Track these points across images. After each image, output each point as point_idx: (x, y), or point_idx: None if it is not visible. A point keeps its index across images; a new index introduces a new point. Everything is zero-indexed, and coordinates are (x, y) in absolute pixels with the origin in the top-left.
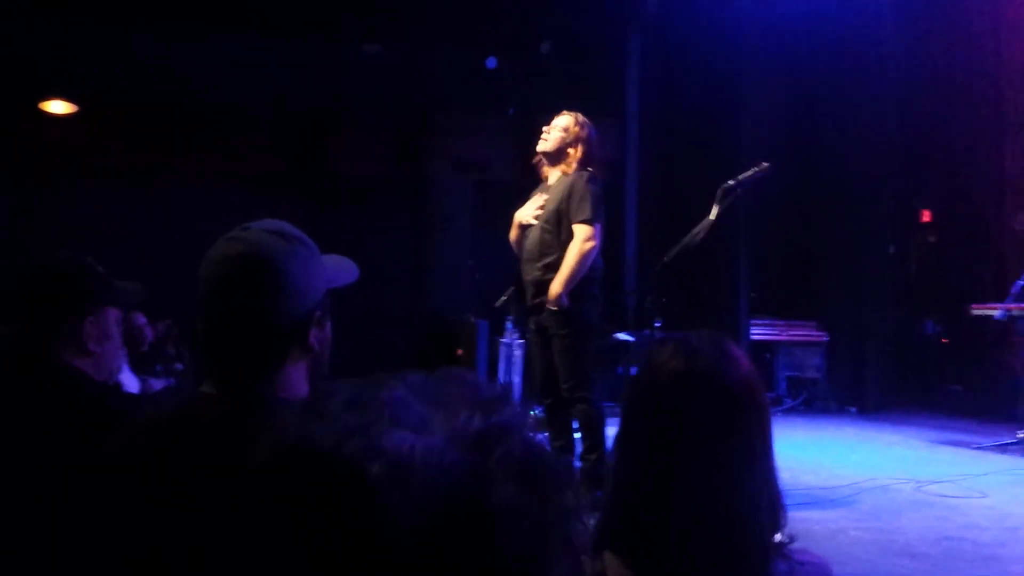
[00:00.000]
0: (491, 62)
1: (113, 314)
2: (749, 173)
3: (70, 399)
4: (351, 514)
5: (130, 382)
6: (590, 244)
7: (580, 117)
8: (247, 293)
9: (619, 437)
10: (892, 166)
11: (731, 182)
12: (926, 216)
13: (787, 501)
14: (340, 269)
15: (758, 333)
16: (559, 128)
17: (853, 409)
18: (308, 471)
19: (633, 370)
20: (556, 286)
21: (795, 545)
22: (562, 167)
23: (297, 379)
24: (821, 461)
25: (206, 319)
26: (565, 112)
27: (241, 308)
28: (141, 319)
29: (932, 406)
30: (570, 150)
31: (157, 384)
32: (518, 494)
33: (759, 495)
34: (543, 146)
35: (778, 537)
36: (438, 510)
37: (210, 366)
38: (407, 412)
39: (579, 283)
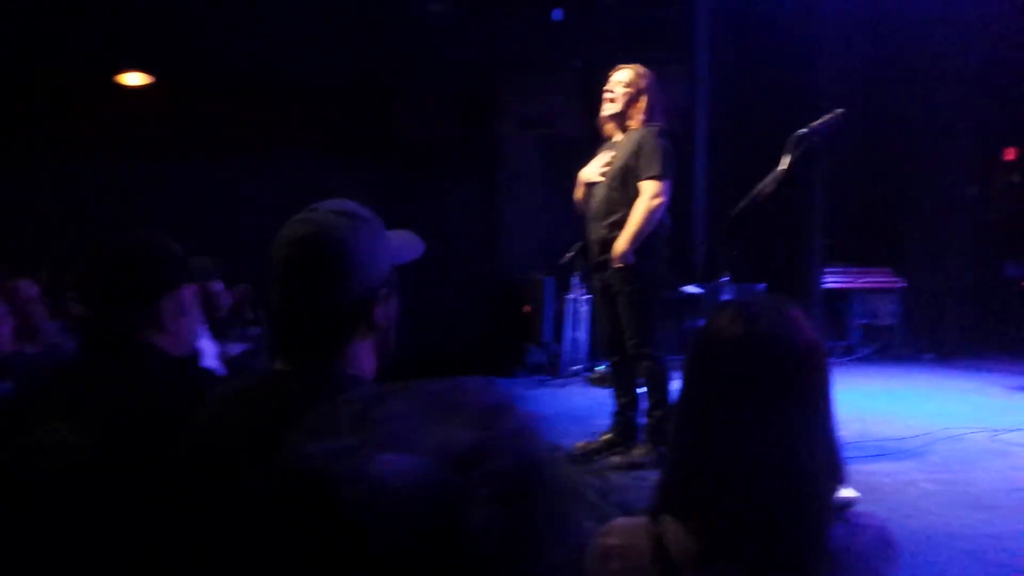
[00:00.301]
0: (556, 13)
1: (189, 290)
2: (823, 120)
3: (149, 378)
4: (329, 535)
5: (208, 349)
6: (657, 200)
7: (640, 68)
8: (313, 273)
9: (680, 401)
10: (973, 103)
11: (804, 130)
12: (1010, 154)
13: (858, 453)
14: (405, 245)
15: (831, 281)
16: (622, 85)
17: (929, 356)
18: (294, 493)
19: (701, 322)
20: (621, 243)
21: (859, 506)
22: (630, 123)
23: (365, 355)
24: (894, 411)
25: (277, 298)
26: (622, 66)
27: (308, 287)
28: (219, 285)
29: (1011, 351)
30: (635, 102)
31: (234, 349)
32: (501, 512)
33: (819, 458)
34: (611, 108)
35: (840, 498)
36: (414, 533)
37: (281, 343)
38: (404, 430)
39: (645, 240)
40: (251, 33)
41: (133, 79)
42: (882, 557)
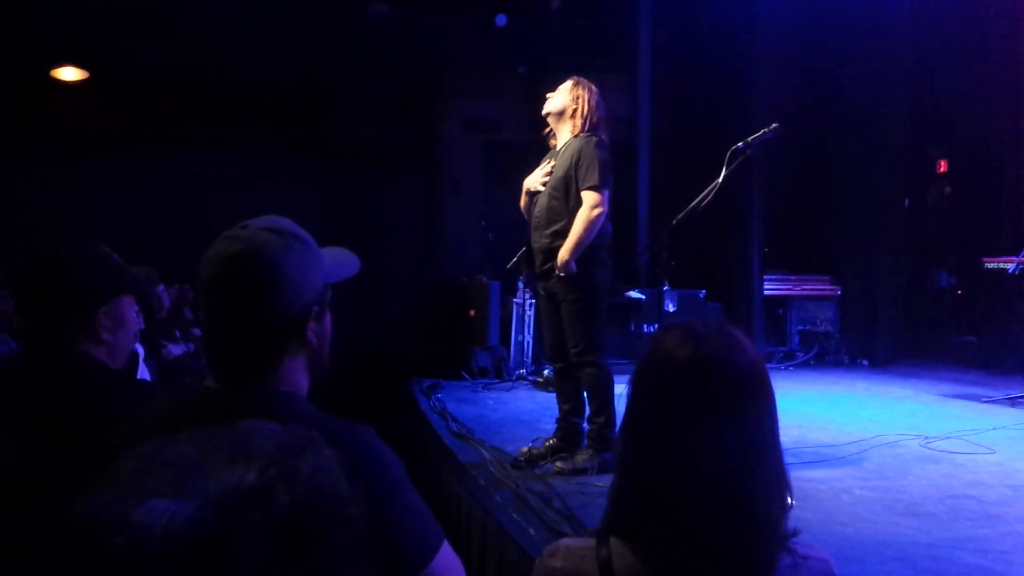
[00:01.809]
0: (500, 19)
1: (127, 301)
2: (759, 134)
3: (83, 390)
4: None
5: (140, 352)
6: (598, 211)
7: (582, 80)
8: (243, 291)
9: (625, 424)
10: (907, 117)
11: (740, 144)
12: (942, 166)
13: (794, 460)
14: (340, 263)
15: (771, 288)
16: (560, 92)
17: (865, 362)
18: (62, 544)
19: (645, 328)
20: (564, 253)
21: (794, 512)
22: (568, 129)
23: (296, 373)
24: (831, 417)
25: (206, 316)
26: (568, 79)
27: (237, 306)
28: (159, 286)
29: (945, 359)
30: (573, 110)
31: (176, 349)
32: (272, 553)
33: (767, 480)
34: (545, 108)
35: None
36: None
37: (211, 361)
38: (180, 476)
39: (587, 249)
40: (189, 30)
41: (68, 74)
42: None
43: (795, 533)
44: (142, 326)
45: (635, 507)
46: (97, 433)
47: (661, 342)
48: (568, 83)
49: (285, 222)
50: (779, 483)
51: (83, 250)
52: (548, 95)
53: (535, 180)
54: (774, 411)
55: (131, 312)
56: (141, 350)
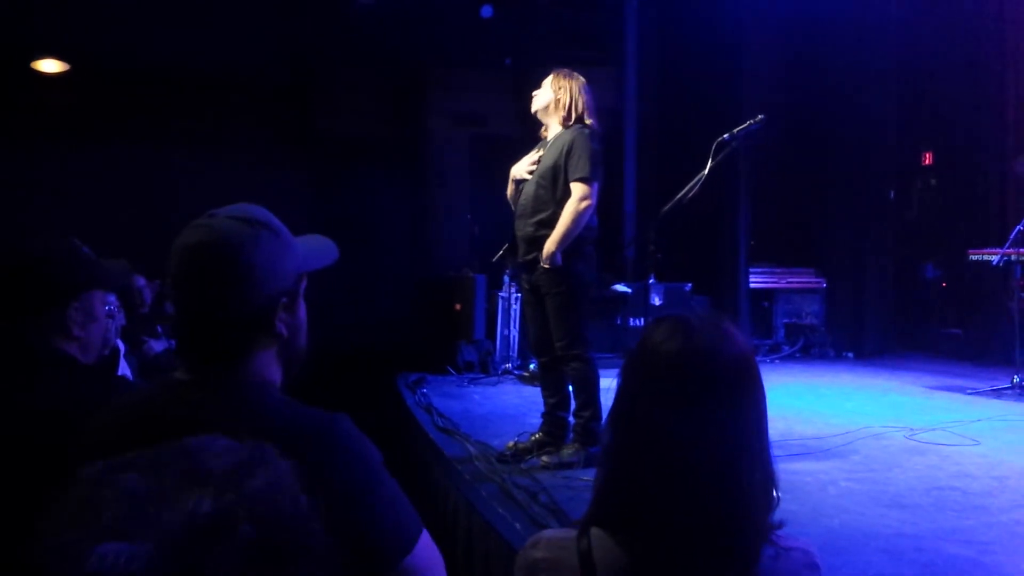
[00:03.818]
0: (486, 11)
1: (99, 296)
2: (744, 126)
3: (55, 384)
4: None
5: (120, 348)
6: (586, 203)
7: (564, 71)
8: (207, 281)
9: (613, 415)
10: (893, 110)
11: (726, 136)
12: (927, 159)
13: (781, 452)
14: (315, 251)
15: (757, 281)
16: (543, 86)
17: (851, 355)
18: None
19: (631, 321)
20: (550, 244)
21: (781, 505)
22: (557, 121)
23: (268, 365)
24: (817, 409)
25: (175, 307)
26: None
27: (203, 296)
28: (140, 280)
29: (930, 350)
30: (557, 100)
31: (158, 346)
32: None
33: (754, 473)
34: (533, 106)
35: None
36: None
37: (181, 352)
38: (131, 511)
39: (573, 241)
40: (173, 23)
41: (49, 66)
42: None
43: (779, 525)
44: (124, 322)
45: (621, 498)
46: (71, 429)
47: (652, 333)
48: (549, 77)
49: (256, 210)
50: (766, 477)
51: (53, 244)
52: (534, 94)
53: (522, 168)
54: (763, 405)
55: (102, 307)
56: (122, 346)
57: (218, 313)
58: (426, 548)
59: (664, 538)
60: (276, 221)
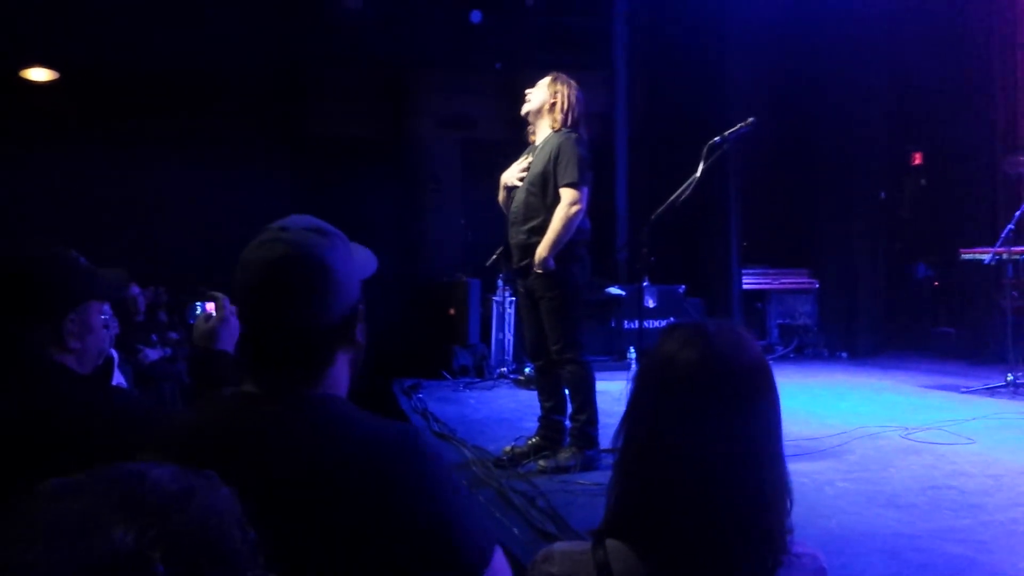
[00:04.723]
0: (475, 16)
1: (95, 307)
2: (735, 128)
3: (53, 396)
4: None
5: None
6: (576, 208)
7: (561, 75)
8: (296, 295)
9: (628, 425)
10: (882, 110)
11: (717, 139)
12: (917, 159)
13: None
14: (364, 259)
15: (750, 282)
16: (539, 88)
17: (844, 355)
18: None
19: (626, 324)
20: (542, 250)
21: (790, 536)
22: (548, 124)
23: (342, 373)
24: (811, 410)
25: (252, 322)
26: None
27: (290, 310)
28: (135, 289)
29: (923, 349)
30: (552, 104)
31: (153, 354)
32: None
33: (771, 480)
34: (525, 108)
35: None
36: None
37: (257, 366)
38: (62, 539)
39: (565, 245)
40: (161, 27)
41: (38, 75)
42: None
43: (789, 531)
44: (117, 331)
45: (637, 508)
46: (70, 438)
47: (666, 342)
48: (547, 79)
49: (317, 220)
50: (782, 484)
51: (49, 255)
52: (527, 93)
53: (512, 175)
54: (778, 411)
55: (99, 318)
56: (116, 355)
57: (305, 325)
58: (500, 560)
59: (682, 547)
60: (338, 229)
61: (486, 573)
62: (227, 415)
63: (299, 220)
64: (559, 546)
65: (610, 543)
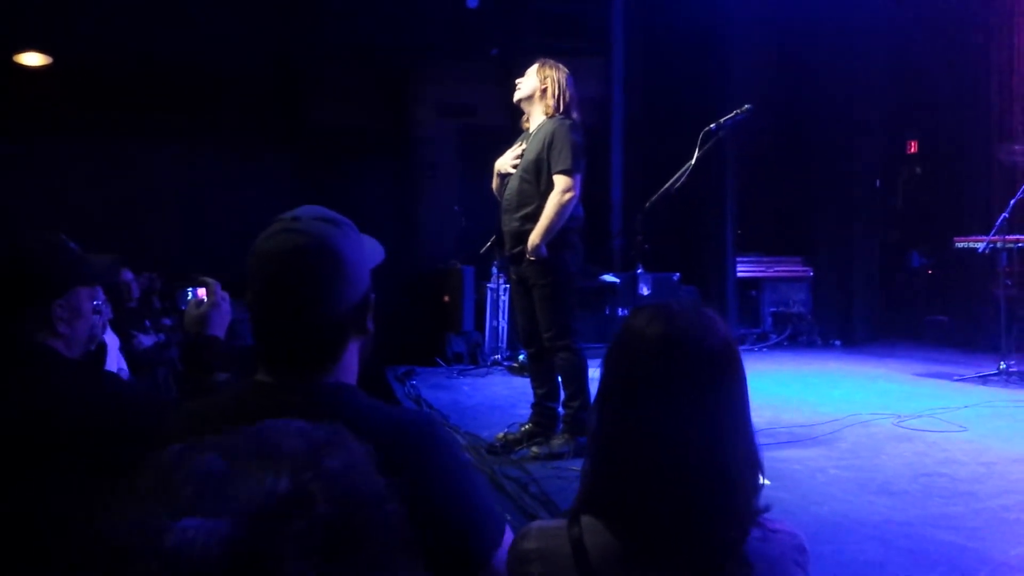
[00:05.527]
0: (472, 2)
1: (85, 292)
2: (731, 115)
3: (40, 380)
4: None
5: (111, 341)
6: (569, 195)
7: (549, 60)
8: (313, 284)
9: (598, 402)
10: (878, 99)
11: (712, 126)
12: (912, 148)
13: (769, 440)
14: (372, 249)
15: (744, 270)
16: (528, 75)
17: (838, 343)
18: (90, 569)
19: (620, 311)
20: (535, 237)
21: (769, 492)
22: (541, 111)
23: (352, 361)
24: (804, 398)
25: (267, 312)
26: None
27: (308, 300)
28: (127, 275)
29: (917, 337)
30: (543, 90)
31: (147, 340)
32: (322, 564)
33: (738, 456)
34: (516, 95)
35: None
36: None
37: (271, 355)
38: (208, 489)
39: (558, 233)
40: (158, 14)
41: (32, 59)
42: (796, 564)
43: (766, 509)
44: (111, 315)
45: (608, 484)
46: (61, 424)
47: (634, 320)
48: (535, 66)
49: (328, 210)
50: (750, 460)
51: (39, 240)
52: (517, 82)
53: (506, 162)
54: (745, 390)
55: (89, 303)
56: (116, 340)
57: (320, 314)
58: (510, 539)
59: (652, 522)
60: (349, 220)
61: (497, 555)
62: (243, 405)
63: (310, 210)
64: (536, 524)
65: (585, 519)
